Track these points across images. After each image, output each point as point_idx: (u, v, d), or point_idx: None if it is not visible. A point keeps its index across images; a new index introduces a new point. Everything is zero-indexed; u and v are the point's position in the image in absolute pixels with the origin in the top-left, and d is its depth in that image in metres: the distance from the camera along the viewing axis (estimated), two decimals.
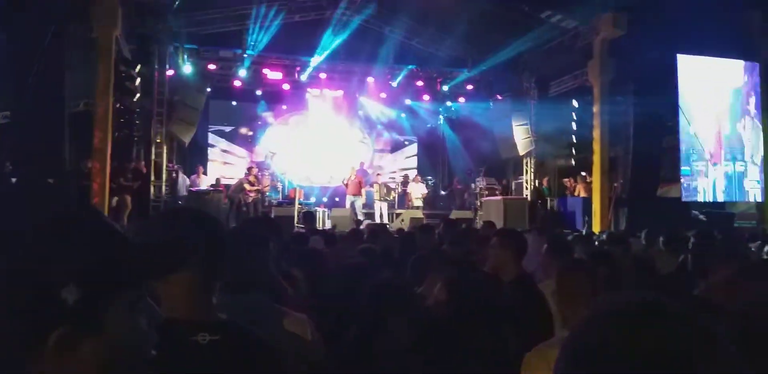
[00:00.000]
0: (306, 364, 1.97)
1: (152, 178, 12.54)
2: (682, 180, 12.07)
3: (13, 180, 9.71)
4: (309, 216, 8.70)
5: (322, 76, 15.79)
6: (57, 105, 10.80)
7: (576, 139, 14.79)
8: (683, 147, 12.21)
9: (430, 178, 17.14)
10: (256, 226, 2.42)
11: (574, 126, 14.84)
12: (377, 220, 14.01)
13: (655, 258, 4.55)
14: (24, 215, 0.88)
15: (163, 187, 12.91)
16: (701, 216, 11.38)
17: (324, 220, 13.41)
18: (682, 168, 12.15)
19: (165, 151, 13.09)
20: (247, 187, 13.44)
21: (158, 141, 12.89)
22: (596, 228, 10.92)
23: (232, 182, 14.68)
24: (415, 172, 17.76)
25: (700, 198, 12.31)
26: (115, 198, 10.81)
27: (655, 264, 4.24)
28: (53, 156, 10.68)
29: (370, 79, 16.11)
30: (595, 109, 12.21)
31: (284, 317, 1.99)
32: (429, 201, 15.80)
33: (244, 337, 1.38)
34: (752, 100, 13.33)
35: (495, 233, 3.65)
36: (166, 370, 0.94)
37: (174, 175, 13.61)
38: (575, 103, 14.73)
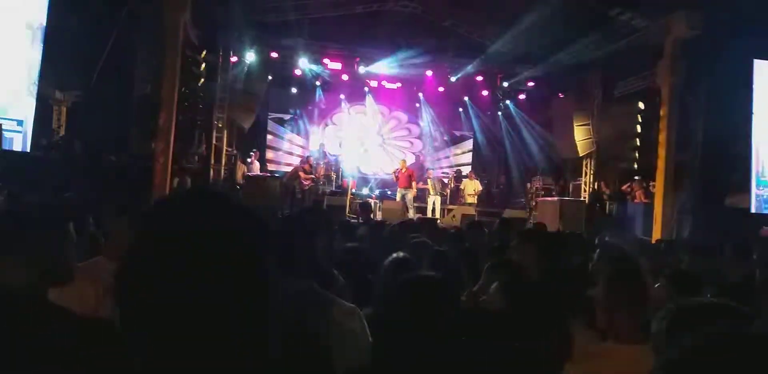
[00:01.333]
0: (353, 354, 1.93)
1: (212, 161, 12.83)
2: (757, 191, 11.48)
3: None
4: (365, 207, 8.75)
5: (381, 67, 15.75)
6: (125, 87, 11.18)
7: (640, 142, 14.27)
8: (762, 157, 11.59)
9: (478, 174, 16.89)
10: (308, 216, 2.41)
11: (638, 128, 14.32)
12: (429, 214, 13.93)
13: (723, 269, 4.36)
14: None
15: (222, 171, 13.20)
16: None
17: (375, 212, 13.42)
18: (762, 178, 11.55)
19: (225, 135, 13.37)
20: (302, 174, 13.60)
21: (219, 126, 13.17)
22: (656, 235, 10.52)
23: (288, 169, 14.90)
24: (470, 168, 17.58)
25: None
26: (176, 179, 11.10)
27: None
28: (120, 135, 11.08)
29: (429, 73, 15.98)
30: (663, 111, 11.72)
31: (333, 306, 1.97)
32: (483, 198, 15.59)
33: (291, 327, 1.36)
34: None
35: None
36: None
37: (233, 159, 13.90)
38: (641, 105, 14.20)
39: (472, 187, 15.06)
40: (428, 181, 14.86)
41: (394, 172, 14.57)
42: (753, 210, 11.35)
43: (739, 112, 11.59)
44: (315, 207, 12.75)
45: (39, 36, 9.28)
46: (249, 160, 14.54)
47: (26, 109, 9.50)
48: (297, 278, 1.89)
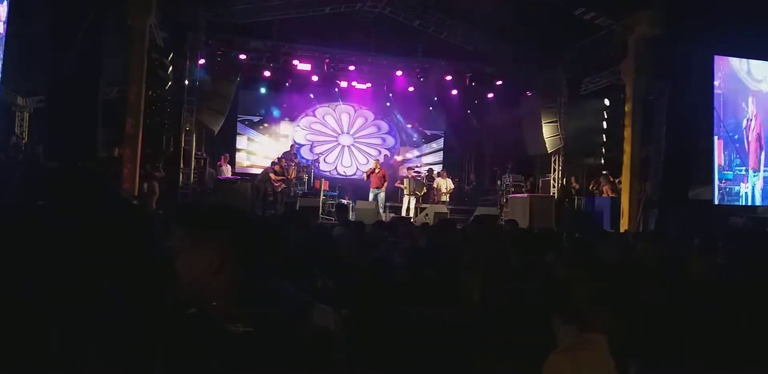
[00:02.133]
0: (331, 357, 1.97)
1: (181, 165, 12.69)
2: (722, 184, 11.82)
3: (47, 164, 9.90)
4: (342, 208, 8.77)
5: (351, 68, 15.77)
6: (91, 91, 10.98)
7: (606, 138, 14.58)
8: (726, 151, 11.94)
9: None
10: (285, 218, 2.44)
11: (604, 125, 14.62)
12: (404, 214, 14.00)
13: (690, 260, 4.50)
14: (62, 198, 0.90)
15: (192, 175, 13.07)
16: (737, 220, 11.15)
17: (349, 213, 13.43)
18: (725, 172, 11.90)
19: (194, 139, 13.24)
20: (272, 176, 13.53)
21: (188, 129, 13.04)
22: (624, 228, 10.77)
23: (259, 171, 14.82)
24: (441, 166, 17.72)
25: (741, 203, 12.07)
26: (145, 184, 10.96)
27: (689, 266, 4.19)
28: (85, 141, 10.88)
29: (398, 73, 16.05)
30: (627, 108, 12.00)
31: (312, 308, 1.99)
32: (454, 196, 15.73)
33: (275, 330, 1.39)
34: None
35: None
36: (203, 356, 0.95)
37: (202, 163, 13.77)
38: (606, 102, 14.50)
39: (445, 186, 15.18)
40: (404, 180, 14.94)
41: (367, 172, 14.60)
42: (716, 202, 11.68)
43: (701, 107, 11.91)
44: (288, 210, 12.74)
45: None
46: (218, 163, 14.43)
47: None
48: (278, 281, 1.92)
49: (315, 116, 18.09)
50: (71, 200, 0.84)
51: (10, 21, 9.01)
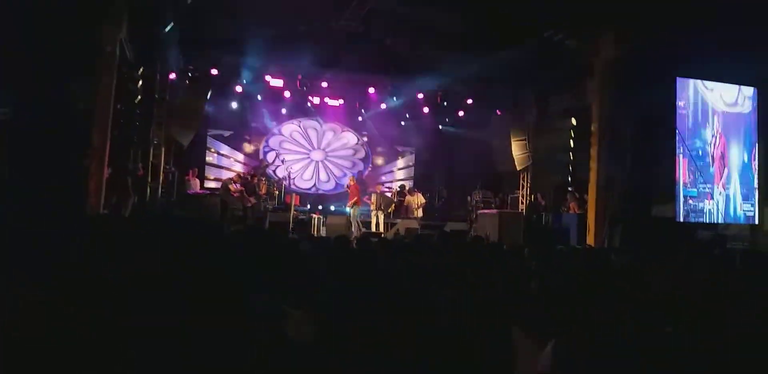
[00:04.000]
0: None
1: (149, 179, 12.54)
2: (689, 201, 12.16)
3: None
4: (302, 223, 8.81)
5: (324, 84, 15.85)
6: (58, 103, 10.82)
7: (573, 156, 14.86)
8: (690, 168, 12.29)
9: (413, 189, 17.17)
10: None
11: (571, 143, 14.92)
12: (373, 229, 14.03)
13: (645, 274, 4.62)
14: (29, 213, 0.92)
15: (159, 189, 12.91)
16: (705, 234, 11.48)
17: (319, 227, 13.41)
18: (689, 189, 12.24)
19: (163, 153, 13.11)
20: (231, 187, 13.47)
21: (156, 143, 12.91)
22: (590, 243, 10.94)
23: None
24: (412, 182, 17.83)
25: (705, 220, 12.40)
26: (114, 197, 10.80)
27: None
28: (52, 154, 10.68)
29: (371, 90, 16.18)
30: (593, 127, 12.29)
31: (286, 319, 2.01)
32: (425, 211, 15.84)
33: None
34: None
35: None
36: None
37: (170, 177, 13.63)
38: (573, 121, 14.81)
39: (416, 202, 15.29)
40: (372, 196, 14.98)
41: (347, 187, 14.74)
42: (680, 219, 11.97)
43: (664, 126, 12.26)
44: (255, 230, 12.64)
45: None
46: (186, 177, 14.29)
47: None
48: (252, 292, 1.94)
49: (288, 131, 18.08)
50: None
51: None
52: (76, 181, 10.10)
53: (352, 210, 14.16)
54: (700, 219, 12.39)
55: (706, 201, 12.53)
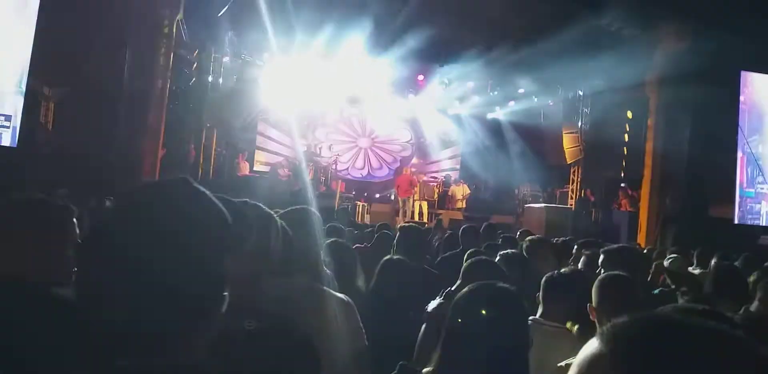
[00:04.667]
0: (349, 349, 1.97)
1: (201, 160, 12.79)
2: (745, 202, 11.64)
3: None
4: (343, 212, 8.90)
5: (371, 70, 15.74)
6: (115, 84, 11.11)
7: (627, 151, 14.41)
8: (748, 168, 11.75)
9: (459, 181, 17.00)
10: (299, 212, 2.43)
11: (626, 137, 14.46)
12: (416, 218, 13.98)
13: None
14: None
15: (211, 171, 13.16)
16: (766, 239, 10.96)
17: (363, 215, 13.44)
18: (746, 190, 11.71)
19: (215, 135, 13.33)
20: (280, 171, 13.71)
21: (209, 125, 13.13)
22: (641, 243, 10.63)
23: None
24: (458, 173, 17.66)
25: (762, 222, 11.85)
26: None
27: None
28: (108, 133, 11.00)
29: (420, 78, 16.01)
30: (650, 121, 11.88)
31: (329, 300, 2.00)
32: (471, 203, 15.65)
33: (285, 326, 1.38)
34: None
35: None
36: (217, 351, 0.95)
37: (221, 159, 13.88)
38: (630, 115, 14.34)
39: (460, 192, 15.14)
40: (417, 185, 14.92)
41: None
42: (736, 221, 11.49)
43: (725, 123, 11.74)
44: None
45: (30, 32, 9.22)
46: (236, 160, 14.51)
47: (15, 105, 9.42)
48: (290, 276, 1.92)
49: (335, 117, 18.11)
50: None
51: (40, 12, 9.16)
52: (132, 161, 10.38)
53: (407, 200, 14.23)
54: (756, 222, 11.84)
55: (763, 203, 11.97)
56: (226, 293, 0.85)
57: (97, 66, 10.30)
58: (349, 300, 2.10)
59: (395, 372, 1.89)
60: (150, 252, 0.76)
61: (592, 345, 0.65)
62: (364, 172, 17.97)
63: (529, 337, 1.69)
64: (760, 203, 11.91)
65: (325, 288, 2.07)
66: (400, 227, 4.65)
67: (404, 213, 13.94)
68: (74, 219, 1.66)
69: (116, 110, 11.17)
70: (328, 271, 2.57)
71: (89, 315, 0.77)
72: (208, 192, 0.93)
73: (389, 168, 17.65)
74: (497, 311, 1.65)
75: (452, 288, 2.65)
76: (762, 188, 11.95)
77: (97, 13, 10.01)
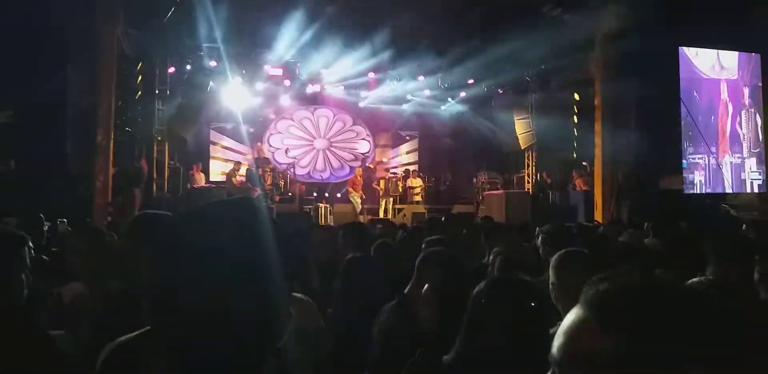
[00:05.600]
0: (315, 353, 1.99)
1: (154, 175, 12.57)
2: (688, 171, 12.12)
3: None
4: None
5: (324, 71, 15.75)
6: (59, 103, 10.82)
7: (577, 132, 14.76)
8: (684, 140, 12.22)
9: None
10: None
11: (575, 119, 14.81)
12: (381, 215, 14.05)
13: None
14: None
15: (165, 185, 12.95)
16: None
17: (326, 216, 13.44)
18: (683, 160, 12.18)
19: (167, 148, 13.12)
20: (235, 179, 13.74)
21: (159, 139, 12.91)
22: (598, 220, 10.93)
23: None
24: (416, 166, 17.80)
25: (696, 191, 12.33)
26: (119, 197, 10.83)
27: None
28: (56, 155, 10.71)
29: (371, 74, 16.07)
30: (597, 101, 12.20)
31: (293, 303, 2.01)
32: (431, 195, 15.82)
33: None
34: (746, 92, 13.33)
35: None
36: None
37: (175, 172, 13.67)
38: (576, 96, 14.69)
39: (417, 184, 15.31)
40: (380, 181, 15.01)
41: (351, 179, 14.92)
42: (686, 192, 11.93)
43: (668, 97, 12.15)
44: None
45: None
46: (190, 171, 14.30)
47: None
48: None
49: (290, 121, 18.02)
50: None
51: None
52: (83, 182, 10.15)
53: (353, 198, 14.31)
54: (692, 191, 12.28)
55: (696, 173, 12.47)
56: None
57: (38, 87, 10.01)
58: (308, 298, 2.11)
59: (414, 358, 1.90)
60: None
61: (576, 313, 0.69)
62: (326, 174, 17.93)
63: (547, 324, 1.75)
64: (693, 173, 12.40)
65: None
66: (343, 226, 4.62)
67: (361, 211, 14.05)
68: (26, 247, 1.70)
69: (63, 130, 10.89)
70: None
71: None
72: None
73: (350, 166, 17.65)
74: (520, 302, 1.73)
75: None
76: (693, 158, 12.44)
77: (35, 32, 9.73)
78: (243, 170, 14.63)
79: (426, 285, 2.17)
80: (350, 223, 4.64)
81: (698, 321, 0.65)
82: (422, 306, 2.14)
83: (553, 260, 2.50)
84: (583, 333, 0.67)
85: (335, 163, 18.20)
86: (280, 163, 16.80)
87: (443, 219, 6.14)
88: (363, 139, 18.65)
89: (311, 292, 2.88)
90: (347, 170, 17.91)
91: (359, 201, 14.32)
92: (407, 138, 19.17)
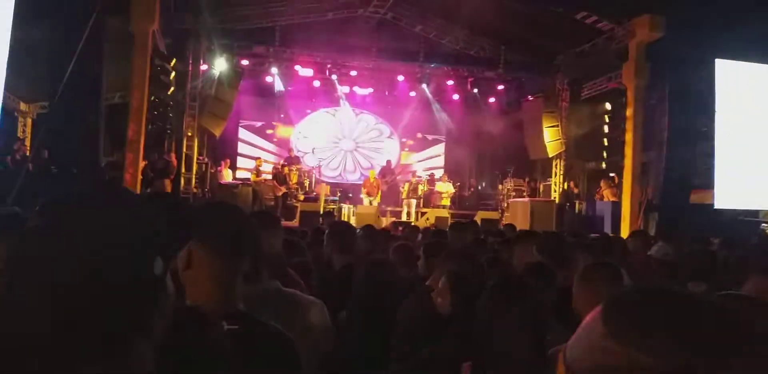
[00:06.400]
0: (318, 354, 1.99)
1: (182, 170, 12.74)
2: (728, 187, 11.80)
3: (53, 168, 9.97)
4: (328, 214, 8.90)
5: (353, 73, 15.81)
6: (93, 96, 11.05)
7: (608, 142, 14.57)
8: (722, 153, 11.91)
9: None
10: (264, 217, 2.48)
11: (606, 129, 14.62)
12: (404, 218, 14.02)
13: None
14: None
15: (193, 180, 13.12)
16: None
17: (349, 217, 13.45)
18: (714, 175, 11.88)
19: (196, 144, 13.30)
20: (262, 177, 13.86)
21: (189, 134, 13.10)
22: (624, 233, 10.74)
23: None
24: (442, 171, 17.73)
25: (735, 206, 12.01)
26: (147, 189, 11.00)
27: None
28: (88, 146, 10.94)
29: (400, 78, 16.08)
30: (629, 112, 12.01)
31: (301, 305, 2.01)
32: (455, 200, 15.74)
33: (261, 328, 1.40)
34: None
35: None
36: (184, 356, 0.97)
37: (203, 168, 13.84)
38: (608, 106, 14.50)
39: (445, 189, 15.22)
40: (405, 184, 14.99)
41: (366, 182, 14.89)
42: (717, 207, 11.65)
43: (702, 110, 11.89)
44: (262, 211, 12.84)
45: (4, 47, 9.13)
46: (218, 168, 14.47)
47: None
48: (260, 282, 1.93)
49: (318, 121, 18.13)
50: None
51: (14, 27, 9.08)
52: (110, 173, 10.33)
53: (372, 202, 14.31)
54: (730, 207, 11.96)
55: (736, 187, 12.13)
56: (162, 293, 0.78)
57: (74, 80, 10.22)
58: (320, 303, 2.11)
59: (424, 354, 1.97)
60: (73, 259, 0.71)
61: (593, 325, 0.70)
62: (357, 175, 18.00)
63: (547, 325, 1.91)
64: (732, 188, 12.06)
65: (294, 290, 2.09)
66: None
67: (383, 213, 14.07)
68: None
69: (95, 123, 11.12)
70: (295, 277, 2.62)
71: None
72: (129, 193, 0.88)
73: (362, 173, 17.72)
74: (521, 306, 1.87)
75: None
76: (735, 173, 12.10)
77: (73, 28, 9.94)
78: (264, 167, 14.81)
79: (442, 276, 2.42)
80: (336, 223, 4.79)
81: (724, 336, 0.63)
82: (438, 294, 2.40)
83: (579, 270, 2.48)
84: (591, 321, 0.69)
85: (365, 164, 18.24)
86: (307, 165, 16.91)
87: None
88: (388, 137, 18.67)
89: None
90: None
91: (374, 204, 14.35)
92: (434, 142, 19.12)
